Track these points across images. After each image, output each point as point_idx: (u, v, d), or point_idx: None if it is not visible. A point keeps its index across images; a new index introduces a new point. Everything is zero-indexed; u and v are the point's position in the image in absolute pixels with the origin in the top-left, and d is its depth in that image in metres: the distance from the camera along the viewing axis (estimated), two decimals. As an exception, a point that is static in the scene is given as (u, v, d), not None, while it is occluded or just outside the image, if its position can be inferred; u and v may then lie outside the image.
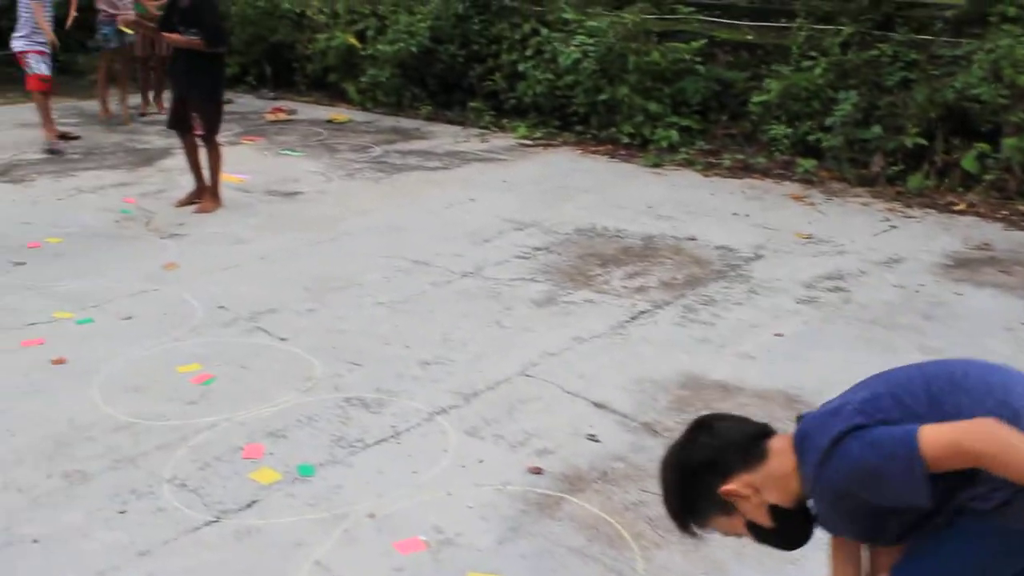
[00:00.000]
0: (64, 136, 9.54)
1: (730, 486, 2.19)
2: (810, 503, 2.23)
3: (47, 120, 9.22)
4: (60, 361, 4.87)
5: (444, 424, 4.25)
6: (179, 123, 7.45)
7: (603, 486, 3.79)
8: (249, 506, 3.65)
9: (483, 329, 5.24)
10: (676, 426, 4.23)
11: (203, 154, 7.50)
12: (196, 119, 7.31)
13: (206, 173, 7.49)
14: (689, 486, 2.25)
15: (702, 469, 2.23)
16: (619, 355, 4.95)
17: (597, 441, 4.12)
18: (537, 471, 3.89)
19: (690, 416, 4.29)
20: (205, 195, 7.47)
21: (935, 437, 1.97)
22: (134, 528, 3.53)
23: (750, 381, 4.69)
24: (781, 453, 2.21)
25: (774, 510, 2.21)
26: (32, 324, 5.33)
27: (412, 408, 4.39)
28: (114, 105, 10.86)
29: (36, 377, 4.71)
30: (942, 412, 2.05)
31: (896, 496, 2.02)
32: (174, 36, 7.21)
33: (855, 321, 5.41)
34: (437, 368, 4.79)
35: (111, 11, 10.43)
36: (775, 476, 2.20)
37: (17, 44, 9.12)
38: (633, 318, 5.42)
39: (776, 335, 5.24)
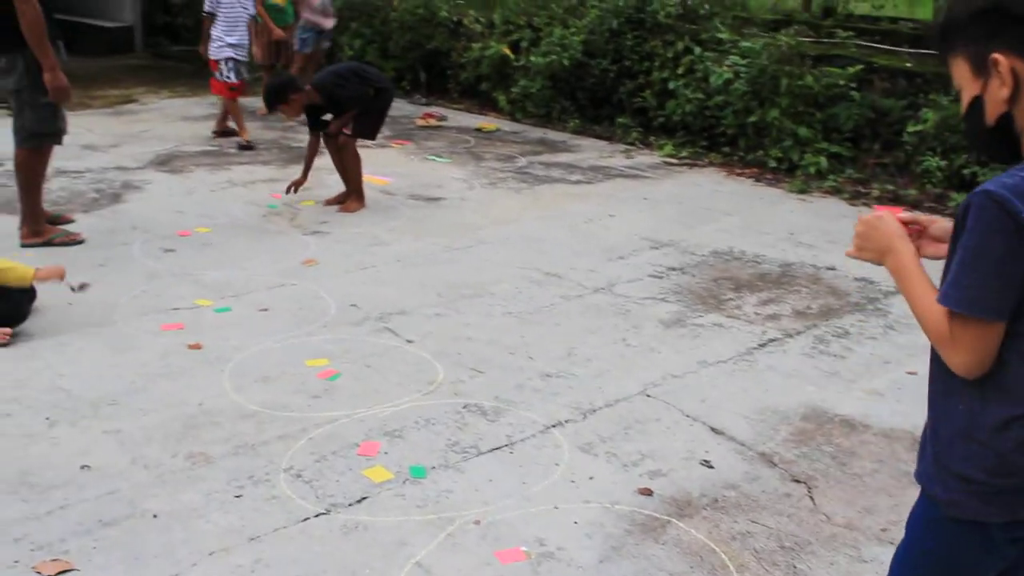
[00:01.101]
0: (227, 133, 9.93)
1: (1001, 57, 1.89)
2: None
3: (240, 124, 9.66)
4: (196, 346, 5.06)
5: (559, 438, 4.26)
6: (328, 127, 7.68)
7: (712, 513, 3.74)
8: (359, 502, 3.72)
9: (608, 346, 5.23)
10: (794, 459, 4.16)
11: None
12: (347, 119, 7.54)
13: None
14: (979, 17, 1.92)
15: (997, 12, 1.89)
16: (744, 382, 4.88)
17: (711, 467, 4.07)
18: (647, 492, 3.86)
19: (810, 450, 4.22)
20: (350, 196, 7.67)
21: None
22: (248, 513, 3.64)
23: (876, 419, 4.56)
24: None
25: (1003, 116, 1.93)
26: (175, 309, 5.55)
27: (529, 419, 4.40)
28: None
29: (173, 360, 4.90)
30: None
31: None
32: (335, 125, 7.56)
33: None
34: (558, 381, 4.79)
35: (313, 19, 11.03)
36: None
37: (224, 52, 9.51)
38: (762, 345, 5.32)
39: (909, 373, 5.07)
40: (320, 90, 7.38)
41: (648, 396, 4.68)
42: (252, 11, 9.89)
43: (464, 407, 4.50)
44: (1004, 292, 1.85)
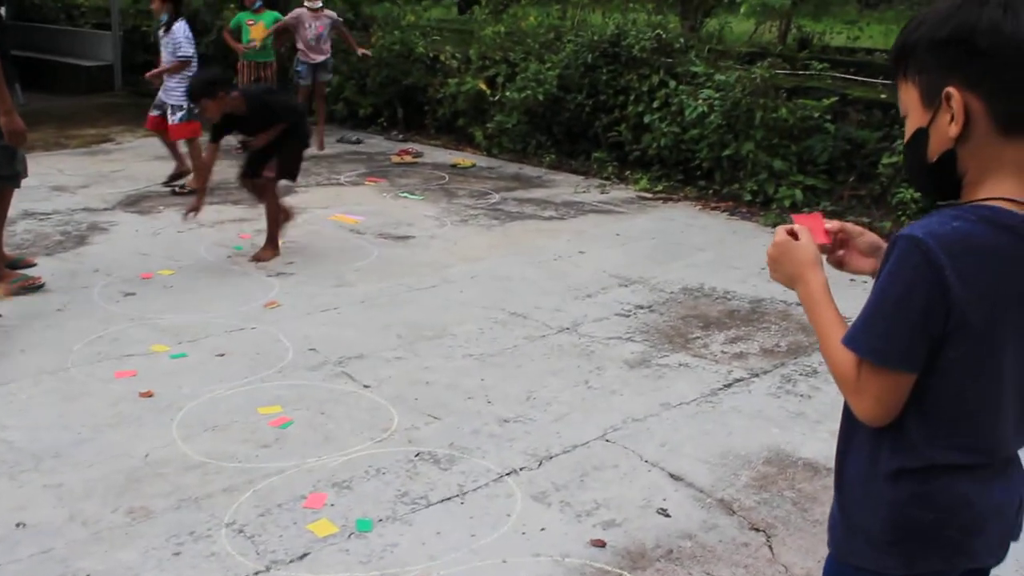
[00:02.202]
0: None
1: (956, 92, 1.75)
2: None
3: (182, 161, 9.36)
4: (148, 394, 4.94)
5: (512, 486, 4.14)
6: (248, 168, 7.30)
7: (666, 565, 3.62)
8: (301, 558, 3.60)
9: (570, 388, 5.12)
10: (754, 506, 4.05)
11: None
12: (272, 160, 7.17)
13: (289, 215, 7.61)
14: (940, 46, 1.78)
15: (962, 44, 1.75)
16: (706, 424, 4.77)
17: (667, 516, 3.95)
18: (600, 544, 3.74)
19: (771, 496, 4.10)
20: (265, 244, 7.26)
21: None
22: (185, 571, 3.52)
23: (842, 461, 4.44)
24: (1011, 164, 1.78)
25: (946, 154, 1.79)
26: (129, 355, 5.43)
27: (482, 467, 4.29)
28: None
29: (122, 409, 4.78)
30: None
31: None
32: (262, 138, 7.10)
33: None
34: (516, 426, 4.68)
35: (304, 51, 11.13)
36: (989, 150, 1.77)
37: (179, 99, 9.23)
38: (727, 386, 5.22)
39: (877, 413, 4.96)
40: (248, 99, 6.98)
41: (607, 441, 4.56)
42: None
43: (417, 455, 4.38)
44: (917, 343, 1.76)
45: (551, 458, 4.39)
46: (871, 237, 2.11)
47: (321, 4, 11.10)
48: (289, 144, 7.19)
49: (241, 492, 4.05)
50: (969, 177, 1.81)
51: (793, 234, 2.05)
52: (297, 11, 11.15)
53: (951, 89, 1.76)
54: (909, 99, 1.86)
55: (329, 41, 11.30)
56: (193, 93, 6.94)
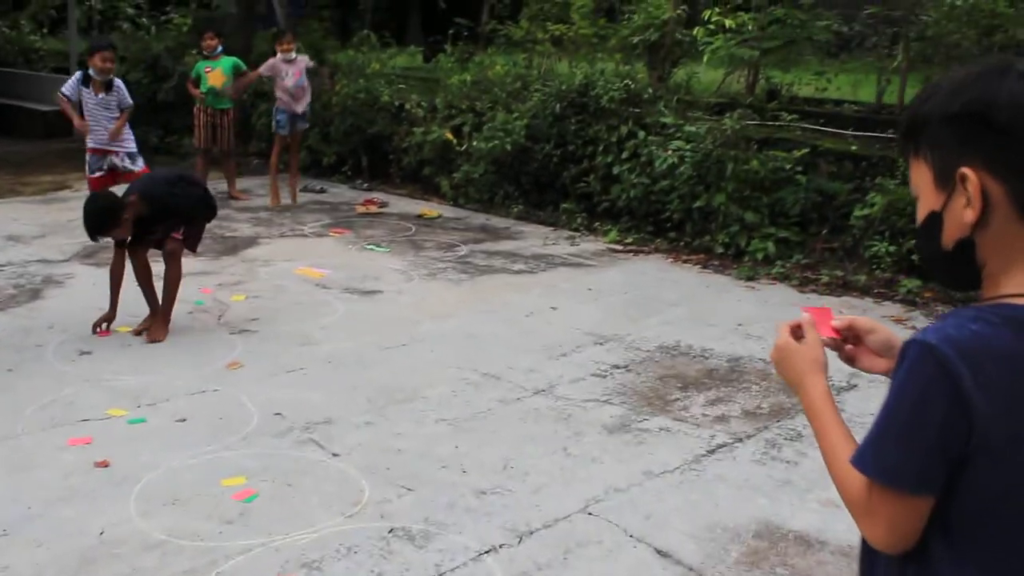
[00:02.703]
0: None
1: (972, 173, 1.57)
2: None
3: None
4: (104, 464, 4.68)
5: (492, 566, 3.92)
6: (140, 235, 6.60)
7: (658, 655, 3.41)
8: (268, 651, 3.36)
9: (548, 456, 4.91)
10: (747, 585, 3.84)
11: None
12: (178, 224, 6.56)
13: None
14: (954, 121, 1.59)
15: (977, 119, 1.56)
16: (691, 495, 4.57)
17: (657, 598, 3.75)
18: (587, 630, 3.53)
19: (762, 574, 3.91)
20: (157, 320, 6.60)
21: None
22: (143, 669, 3.26)
23: (832, 534, 4.27)
24: None
25: (963, 242, 1.60)
26: (84, 420, 5.17)
27: (460, 544, 4.06)
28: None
29: (76, 481, 4.52)
30: None
31: None
32: (160, 232, 6.53)
33: (955, 468, 4.93)
34: (493, 498, 4.46)
35: (285, 100, 10.93)
36: (1011, 238, 1.58)
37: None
38: (710, 452, 5.03)
39: (866, 480, 4.80)
40: (149, 200, 6.36)
41: (589, 514, 4.36)
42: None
43: (390, 531, 4.15)
44: (934, 465, 1.54)
45: (531, 533, 4.18)
46: (884, 335, 1.91)
47: (295, 55, 10.91)
48: (194, 222, 6.70)
49: (203, 575, 3.79)
50: (990, 268, 1.61)
51: (799, 328, 1.88)
52: (271, 61, 10.95)
53: (966, 170, 1.56)
54: (921, 179, 1.66)
55: (309, 87, 11.12)
56: (97, 230, 6.34)
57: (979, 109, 1.55)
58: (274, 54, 11.04)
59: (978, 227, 1.57)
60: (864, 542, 1.72)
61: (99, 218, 6.27)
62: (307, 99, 11.09)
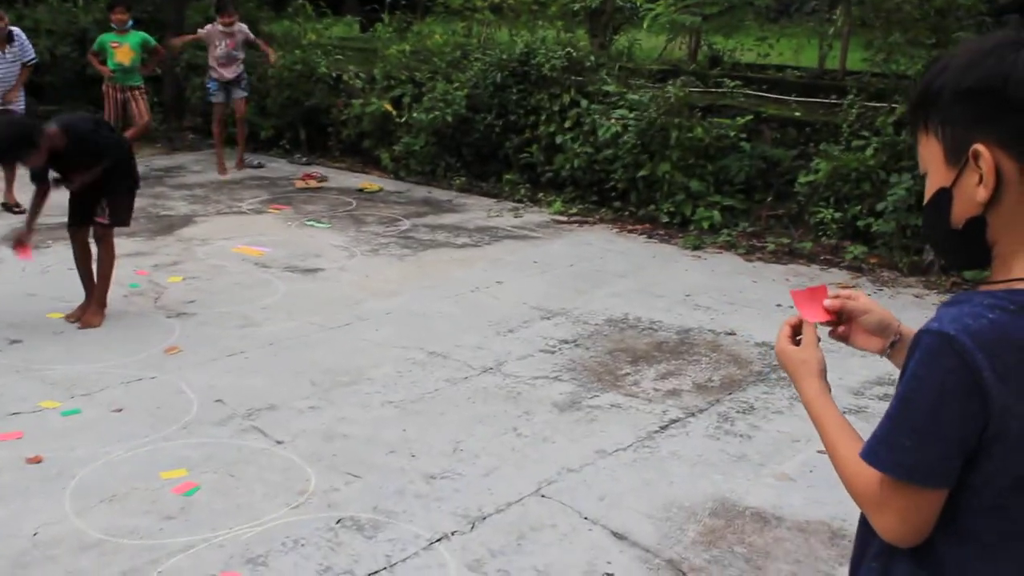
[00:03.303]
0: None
1: (986, 151, 1.49)
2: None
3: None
4: (36, 460, 4.49)
5: (444, 555, 3.80)
6: (77, 217, 6.35)
7: (618, 643, 3.32)
8: (213, 655, 3.22)
9: (498, 437, 4.80)
10: (704, 565, 3.78)
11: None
12: (103, 204, 6.22)
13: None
14: (967, 96, 1.51)
15: (993, 94, 1.49)
16: (646, 473, 4.49)
17: (614, 583, 3.66)
18: (544, 620, 3.43)
19: (721, 553, 3.84)
20: (91, 306, 6.33)
21: None
22: None
23: (789, 509, 4.21)
24: None
25: (973, 220, 1.54)
26: (14, 414, 4.96)
27: (410, 533, 3.94)
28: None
29: (7, 479, 4.33)
30: None
31: None
32: (81, 182, 6.11)
33: (908, 437, 4.89)
34: (443, 484, 4.34)
35: (214, 68, 10.86)
36: (1022, 214, 1.52)
37: None
38: (663, 428, 4.95)
39: (820, 452, 4.74)
40: (69, 134, 5.97)
41: (543, 496, 4.25)
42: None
43: (338, 522, 4.02)
44: (951, 458, 1.49)
45: (484, 519, 4.07)
46: (878, 315, 1.85)
47: (234, 28, 10.73)
48: (116, 185, 6.25)
49: (144, 575, 3.64)
50: (1000, 248, 1.55)
51: (797, 328, 1.85)
52: (208, 27, 10.80)
53: (980, 147, 1.50)
54: (930, 154, 1.59)
55: (241, 57, 10.91)
56: (8, 152, 5.94)
57: (995, 84, 1.48)
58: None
59: (990, 205, 1.51)
60: (862, 526, 1.67)
61: (13, 140, 5.83)
62: (238, 68, 10.87)
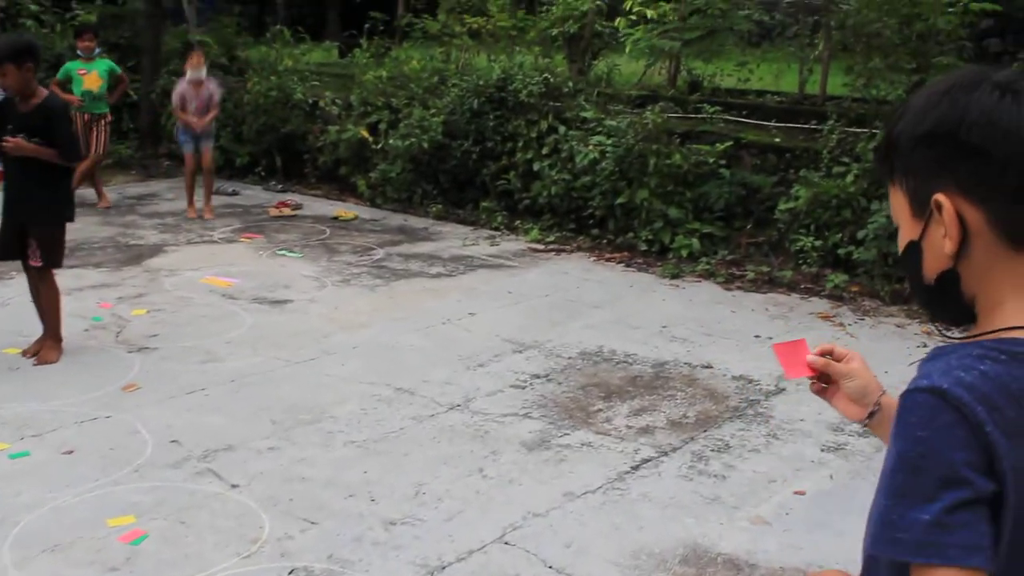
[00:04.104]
0: None
1: (946, 200, 1.36)
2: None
3: None
4: (-21, 506, 4.30)
5: (400, 608, 3.63)
6: (10, 251, 6.08)
7: None
8: None
9: (463, 479, 4.62)
10: (673, 618, 3.59)
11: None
12: (34, 247, 5.93)
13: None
14: (923, 142, 1.39)
15: (948, 139, 1.36)
16: (615, 517, 4.32)
17: (577, 639, 3.48)
18: None
19: (690, 606, 3.66)
20: (46, 341, 6.10)
21: None
22: None
23: (763, 555, 4.04)
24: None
25: (945, 274, 1.40)
26: (-39, 457, 4.77)
27: (366, 585, 3.77)
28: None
29: (-53, 528, 4.14)
30: None
31: None
32: (22, 144, 5.73)
33: (888, 476, 4.73)
34: (403, 530, 4.16)
35: (185, 119, 10.19)
36: (998, 268, 1.38)
37: None
38: (635, 468, 4.78)
39: (797, 493, 4.59)
40: (50, 97, 5.90)
41: (506, 544, 4.08)
42: None
43: (290, 573, 3.83)
44: (980, 525, 1.28)
45: (443, 568, 3.89)
46: (861, 382, 1.73)
47: (204, 74, 10.24)
48: (45, 223, 5.96)
49: (81, 633, 3.46)
50: (982, 301, 1.40)
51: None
52: (180, 89, 10.24)
53: (940, 196, 1.36)
54: (898, 206, 1.46)
55: (211, 116, 10.43)
56: (15, 51, 5.72)
57: (949, 128, 1.35)
58: (186, 53, 10.54)
59: (960, 257, 1.38)
60: None
61: (16, 44, 5.82)
62: (208, 124, 10.35)
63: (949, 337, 1.45)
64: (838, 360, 1.80)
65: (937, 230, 1.38)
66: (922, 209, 1.40)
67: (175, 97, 10.27)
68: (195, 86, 10.10)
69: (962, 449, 1.27)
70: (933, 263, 1.41)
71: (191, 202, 10.30)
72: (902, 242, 1.46)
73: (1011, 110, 1.33)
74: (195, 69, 10.05)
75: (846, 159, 8.28)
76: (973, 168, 1.34)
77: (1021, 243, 1.36)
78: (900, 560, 1.31)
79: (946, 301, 1.44)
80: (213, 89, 10.26)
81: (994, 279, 1.38)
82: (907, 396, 1.33)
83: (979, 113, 1.33)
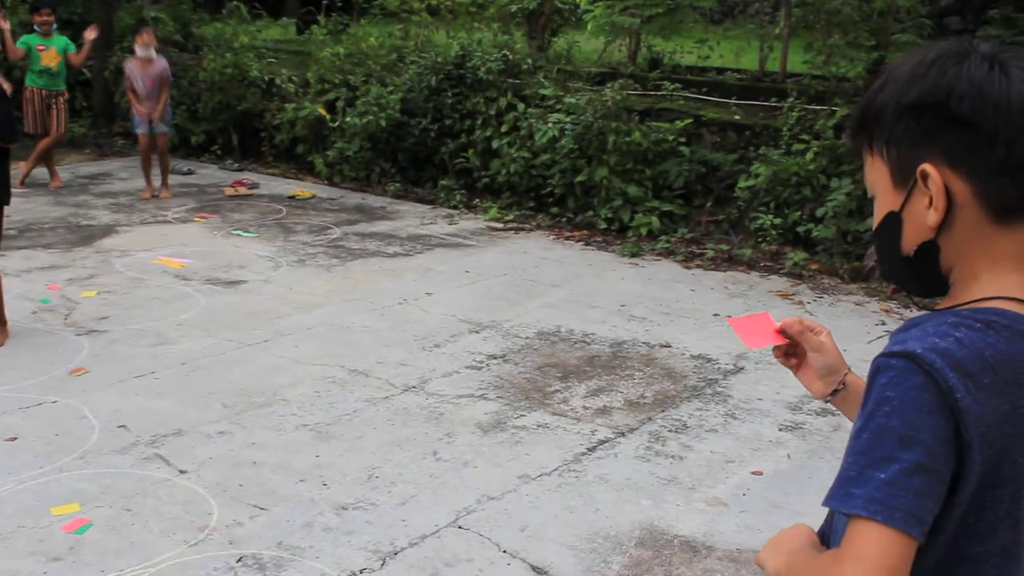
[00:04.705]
0: None
1: (933, 171, 1.34)
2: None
3: None
4: (-82, 496, 4.18)
5: (350, 596, 3.55)
6: None
7: None
8: None
9: (416, 462, 4.54)
10: (628, 603, 3.54)
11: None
12: None
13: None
14: (910, 112, 1.36)
15: (937, 110, 1.34)
16: (571, 500, 4.26)
17: (530, 625, 3.42)
18: (453, 669, 3.19)
19: (646, 589, 3.62)
20: None
21: None
22: None
23: (720, 537, 4.00)
24: (1009, 257, 1.37)
25: (925, 245, 1.38)
26: (-99, 445, 4.64)
27: (316, 571, 3.69)
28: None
29: None
30: None
31: None
32: None
33: (845, 455, 4.70)
34: (355, 515, 4.08)
35: (137, 103, 9.99)
36: (979, 240, 1.36)
37: None
38: (591, 449, 4.73)
39: (754, 473, 4.55)
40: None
41: (460, 528, 4.01)
42: None
43: (239, 560, 3.75)
44: (929, 497, 1.28)
45: (396, 554, 3.82)
46: (830, 358, 1.72)
47: (154, 53, 10.04)
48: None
49: (20, 625, 3.36)
50: (957, 273, 1.40)
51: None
52: (128, 66, 10.06)
53: (927, 167, 1.35)
54: (876, 176, 1.44)
55: (162, 92, 10.22)
56: None
57: (937, 98, 1.34)
58: (137, 30, 10.34)
59: (942, 229, 1.37)
60: None
61: None
62: (159, 104, 10.15)
63: (926, 308, 1.41)
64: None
65: (920, 200, 1.37)
66: (905, 179, 1.38)
67: (125, 79, 10.09)
68: (144, 64, 9.90)
69: (928, 413, 1.26)
70: (913, 234, 1.39)
71: (149, 182, 10.12)
72: (880, 212, 1.44)
73: (1000, 82, 1.32)
74: (144, 47, 9.84)
75: (806, 136, 8.25)
76: (961, 139, 1.33)
77: (1003, 216, 1.35)
78: (847, 514, 1.31)
79: (923, 273, 1.42)
80: (163, 68, 10.05)
81: (972, 252, 1.37)
82: (880, 359, 1.32)
83: (969, 84, 1.32)
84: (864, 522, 1.28)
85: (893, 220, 1.41)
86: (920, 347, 1.28)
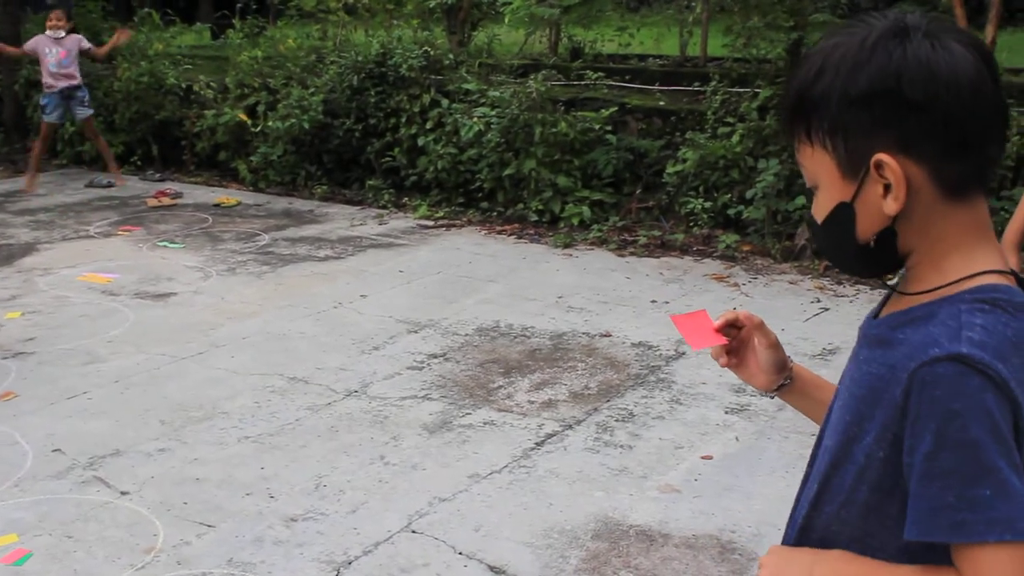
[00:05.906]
0: None
1: (890, 159, 1.29)
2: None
3: None
4: None
5: (306, 609, 3.47)
6: None
7: None
8: None
9: (364, 468, 4.47)
10: (589, 597, 3.51)
11: None
12: None
13: None
14: (859, 102, 1.30)
15: (888, 97, 1.29)
16: (523, 496, 4.22)
17: (492, 627, 3.38)
18: (417, 677, 3.13)
19: (605, 583, 3.59)
20: None
21: None
22: None
23: (676, 524, 3.99)
24: (970, 229, 1.35)
25: (883, 232, 1.35)
26: None
27: (269, 587, 3.60)
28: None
29: None
30: None
31: None
32: None
33: (793, 434, 4.73)
34: (305, 526, 4.00)
35: (50, 79, 10.19)
36: (937, 220, 1.34)
37: None
38: (539, 444, 4.69)
39: (704, 458, 4.56)
40: None
41: (414, 532, 3.95)
42: None
43: (188, 581, 3.65)
44: None
45: (350, 563, 3.75)
46: (781, 353, 1.70)
47: (64, 34, 10.10)
48: None
49: (-37, 664, 3.23)
50: (922, 255, 1.36)
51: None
52: (36, 38, 10.11)
53: (883, 156, 1.30)
54: (819, 167, 1.38)
55: (76, 66, 10.29)
56: None
57: (888, 84, 1.29)
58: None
59: (899, 215, 1.33)
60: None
61: None
62: (75, 78, 10.24)
63: (904, 292, 1.37)
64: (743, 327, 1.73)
65: (874, 189, 1.33)
66: (855, 170, 1.34)
67: (28, 44, 10.14)
68: (54, 41, 9.99)
69: (998, 411, 1.22)
70: (869, 223, 1.35)
71: (35, 172, 10.03)
72: (827, 204, 1.39)
73: (946, 59, 1.28)
74: (53, 30, 9.94)
75: (731, 119, 8.30)
76: (916, 124, 1.29)
77: (958, 193, 1.32)
78: (964, 543, 1.23)
79: (878, 259, 1.39)
80: (77, 39, 10.12)
81: (935, 231, 1.34)
82: (923, 370, 1.25)
83: (917, 67, 1.28)
84: (993, 547, 1.21)
85: (845, 210, 1.37)
86: (963, 347, 1.23)
